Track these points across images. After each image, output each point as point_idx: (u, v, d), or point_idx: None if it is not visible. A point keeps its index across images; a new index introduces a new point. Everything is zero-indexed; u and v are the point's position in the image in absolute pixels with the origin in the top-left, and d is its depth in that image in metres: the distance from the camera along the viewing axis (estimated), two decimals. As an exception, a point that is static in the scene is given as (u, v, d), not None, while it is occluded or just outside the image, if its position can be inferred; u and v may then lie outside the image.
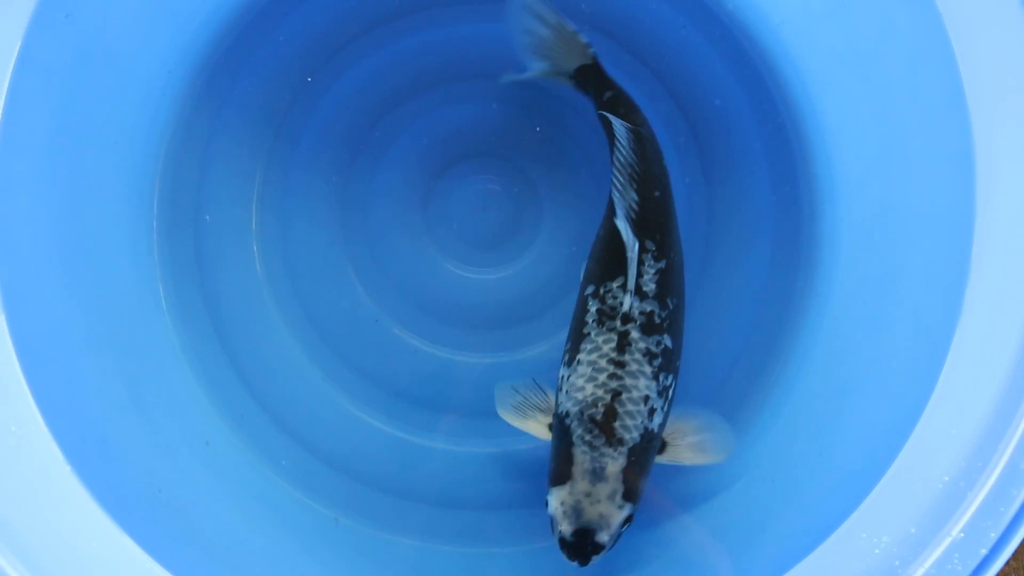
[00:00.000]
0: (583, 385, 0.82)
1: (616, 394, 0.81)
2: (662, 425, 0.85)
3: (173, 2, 0.95)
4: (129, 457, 0.83)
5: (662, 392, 0.83)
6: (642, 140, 0.89)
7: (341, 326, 1.08)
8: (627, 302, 0.82)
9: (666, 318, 0.85)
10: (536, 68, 0.99)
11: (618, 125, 0.87)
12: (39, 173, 0.85)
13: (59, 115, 0.86)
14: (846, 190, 0.96)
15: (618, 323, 0.83)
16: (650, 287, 0.85)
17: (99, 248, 0.91)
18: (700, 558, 0.89)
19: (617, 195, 0.85)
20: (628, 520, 0.80)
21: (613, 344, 0.82)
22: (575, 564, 0.78)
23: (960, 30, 0.82)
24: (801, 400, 0.96)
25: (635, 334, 0.83)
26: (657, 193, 0.89)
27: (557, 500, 0.79)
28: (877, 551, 0.73)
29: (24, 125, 0.82)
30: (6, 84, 0.79)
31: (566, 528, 0.78)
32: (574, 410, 0.82)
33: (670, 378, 0.85)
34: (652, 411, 0.82)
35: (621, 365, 0.82)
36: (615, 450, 0.79)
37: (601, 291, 0.85)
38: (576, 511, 0.78)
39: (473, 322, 1.09)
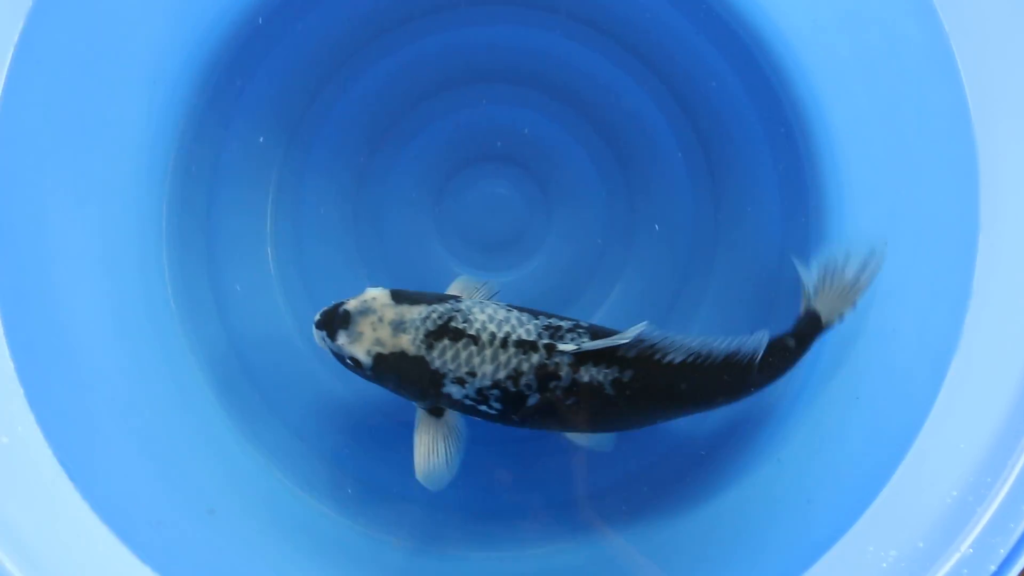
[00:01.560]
0: None
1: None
2: None
3: (183, 5, 0.95)
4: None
5: None
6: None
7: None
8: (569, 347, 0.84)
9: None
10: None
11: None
12: (45, 173, 0.84)
13: (65, 115, 0.86)
14: (853, 200, 0.97)
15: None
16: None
17: (108, 253, 0.91)
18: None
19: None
20: None
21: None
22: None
23: (964, 43, 0.83)
24: (806, 410, 0.96)
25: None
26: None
27: None
28: (884, 565, 0.73)
29: (28, 123, 0.81)
30: (3, 73, 0.77)
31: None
32: None
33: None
34: None
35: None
36: None
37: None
38: None
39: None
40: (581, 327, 0.88)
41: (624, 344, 0.83)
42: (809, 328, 0.90)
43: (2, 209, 0.80)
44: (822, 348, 0.96)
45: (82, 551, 0.73)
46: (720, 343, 0.85)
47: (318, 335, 0.86)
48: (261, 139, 1.07)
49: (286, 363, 1.05)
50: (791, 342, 0.89)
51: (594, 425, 0.90)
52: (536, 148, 1.11)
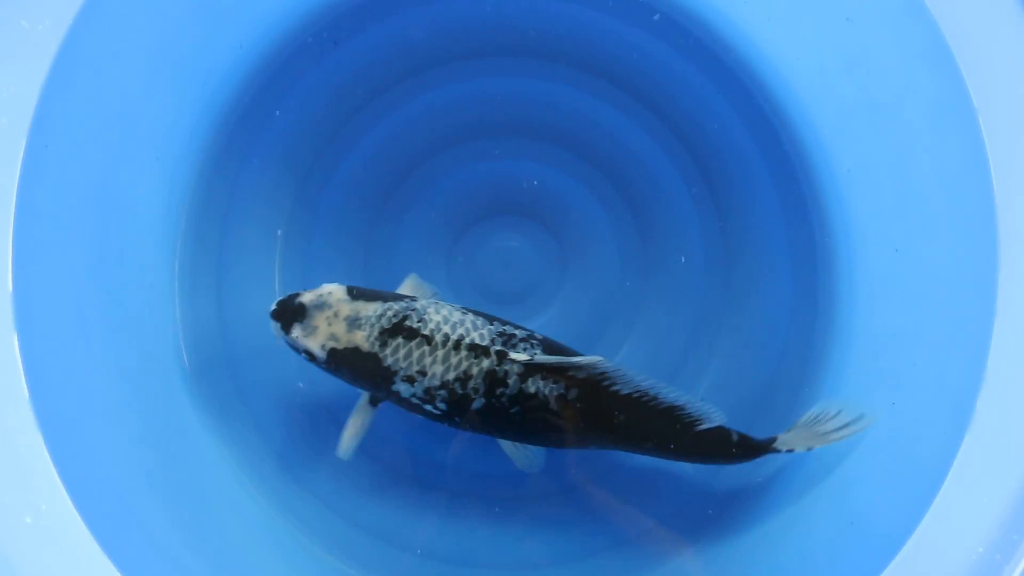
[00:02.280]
0: None
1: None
2: None
3: (193, 59, 0.96)
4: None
5: None
6: None
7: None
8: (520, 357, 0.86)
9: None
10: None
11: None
12: (62, 231, 0.85)
13: (79, 176, 0.86)
14: (863, 247, 0.96)
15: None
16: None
17: (121, 310, 0.91)
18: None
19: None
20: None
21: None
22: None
23: (981, 88, 0.82)
24: (823, 458, 0.94)
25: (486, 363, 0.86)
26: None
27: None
28: (910, 623, 0.71)
29: (46, 183, 0.81)
30: (23, 144, 0.79)
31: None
32: None
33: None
34: None
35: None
36: None
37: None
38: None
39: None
40: (535, 338, 0.90)
41: (574, 365, 0.86)
42: (759, 443, 0.90)
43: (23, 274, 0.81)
44: (837, 393, 0.96)
45: None
46: (671, 394, 0.87)
47: (274, 325, 0.88)
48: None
49: (294, 412, 1.05)
50: (734, 438, 0.90)
51: (530, 437, 0.92)
52: (548, 200, 1.11)
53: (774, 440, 0.90)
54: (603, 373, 0.86)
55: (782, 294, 1.06)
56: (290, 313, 0.88)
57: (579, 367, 0.86)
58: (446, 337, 0.86)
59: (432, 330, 0.86)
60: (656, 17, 1.05)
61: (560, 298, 1.11)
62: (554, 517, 1.03)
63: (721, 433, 0.89)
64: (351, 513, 1.02)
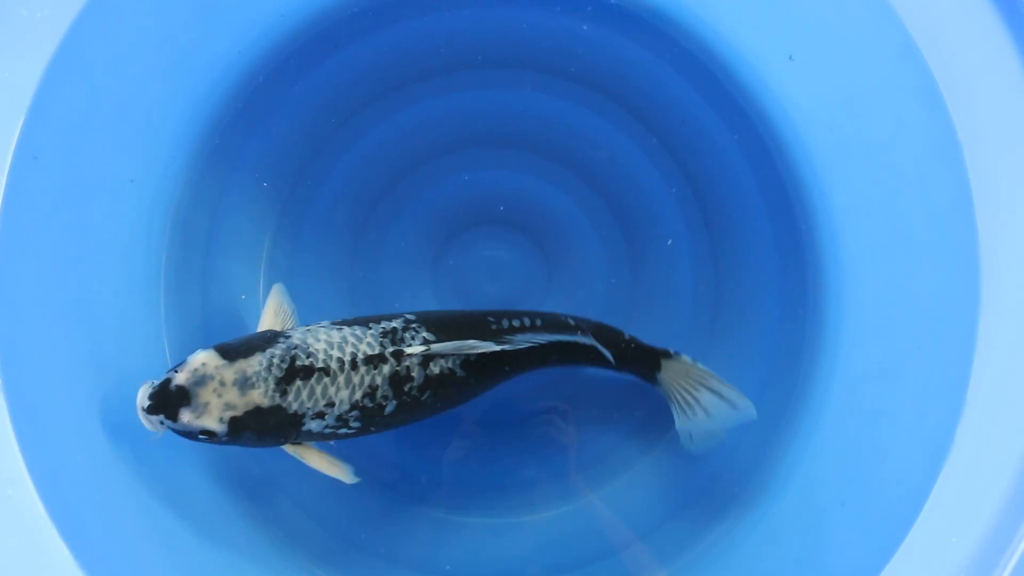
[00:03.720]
0: None
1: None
2: None
3: (185, 59, 0.96)
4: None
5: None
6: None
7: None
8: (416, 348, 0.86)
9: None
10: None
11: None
12: (45, 230, 0.85)
13: (66, 171, 0.86)
14: (851, 277, 0.97)
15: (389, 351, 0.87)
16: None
17: (104, 311, 0.91)
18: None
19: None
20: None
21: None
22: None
23: (968, 128, 0.83)
24: (798, 486, 0.95)
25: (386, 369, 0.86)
26: None
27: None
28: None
29: (31, 182, 0.81)
30: (14, 143, 0.79)
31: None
32: None
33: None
34: None
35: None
36: None
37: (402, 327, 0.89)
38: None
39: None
40: (411, 321, 0.90)
41: (470, 347, 0.87)
42: (650, 349, 1.01)
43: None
44: (817, 425, 0.96)
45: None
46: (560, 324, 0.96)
47: (152, 420, 0.79)
48: (265, 184, 1.08)
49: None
50: (626, 337, 1.00)
51: (448, 407, 0.93)
52: (535, 211, 1.11)
53: (657, 370, 1.00)
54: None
55: (770, 312, 1.07)
56: (171, 400, 0.79)
57: (475, 349, 0.87)
58: (340, 362, 0.84)
59: (325, 360, 0.83)
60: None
61: (548, 306, 1.10)
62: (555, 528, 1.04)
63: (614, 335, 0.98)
64: (333, 524, 1.03)
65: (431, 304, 1.10)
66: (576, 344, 0.96)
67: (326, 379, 0.83)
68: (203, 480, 0.97)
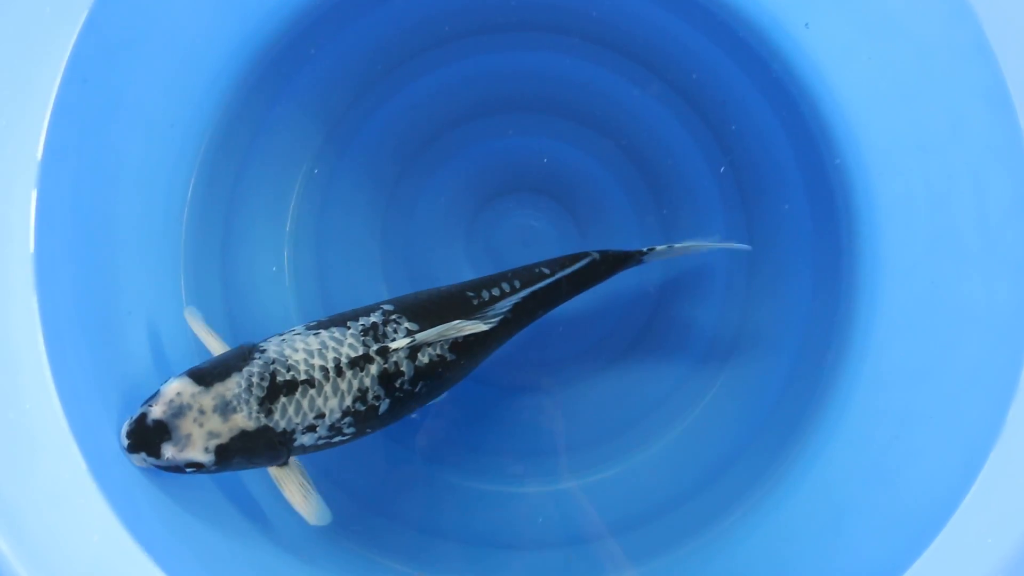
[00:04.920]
0: None
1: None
2: None
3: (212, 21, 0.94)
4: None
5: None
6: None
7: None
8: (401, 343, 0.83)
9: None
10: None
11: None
12: (85, 154, 0.82)
13: (110, 97, 0.84)
14: (889, 274, 0.96)
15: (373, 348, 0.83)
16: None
17: (125, 245, 0.89)
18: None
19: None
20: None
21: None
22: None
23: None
24: (817, 484, 0.93)
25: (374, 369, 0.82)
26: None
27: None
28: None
29: (75, 105, 0.79)
30: (66, 59, 0.77)
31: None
32: None
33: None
34: None
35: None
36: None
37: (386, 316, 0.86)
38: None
39: (504, 356, 1.06)
40: (389, 312, 0.85)
41: (455, 329, 0.84)
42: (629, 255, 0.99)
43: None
44: (842, 421, 0.95)
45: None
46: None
47: (136, 458, 0.75)
48: (316, 171, 1.06)
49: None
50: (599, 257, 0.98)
51: (443, 391, 0.90)
52: (569, 178, 1.10)
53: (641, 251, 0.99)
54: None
55: (803, 302, 1.06)
56: (151, 436, 0.75)
57: (460, 329, 0.84)
58: (324, 370, 0.79)
59: (307, 371, 0.79)
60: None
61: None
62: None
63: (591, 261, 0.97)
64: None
65: (464, 267, 1.09)
66: (557, 284, 0.95)
67: (311, 391, 0.79)
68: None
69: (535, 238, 1.10)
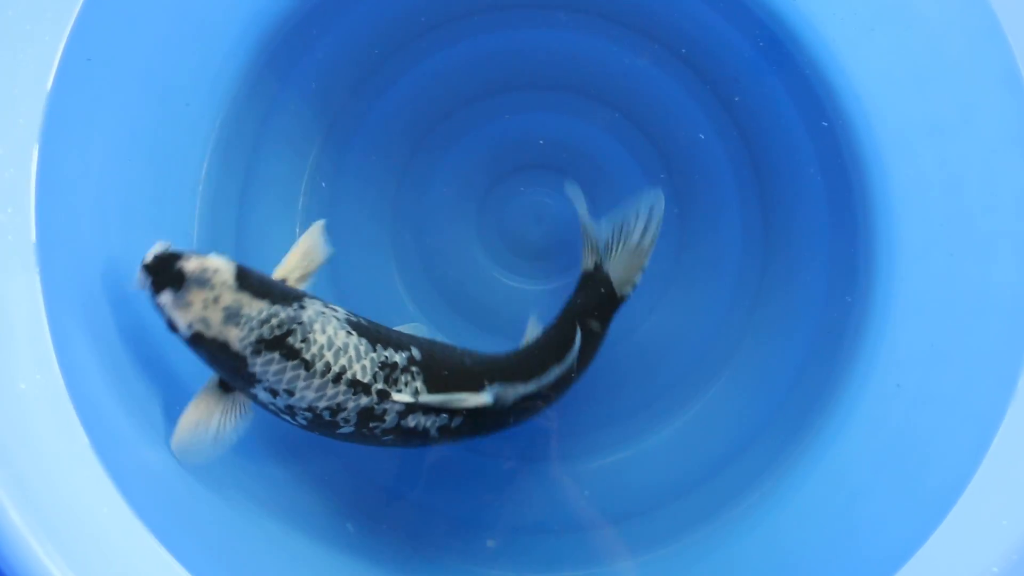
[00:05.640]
0: None
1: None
2: None
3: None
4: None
5: None
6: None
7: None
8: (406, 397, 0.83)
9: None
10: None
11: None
12: (91, 131, 0.82)
13: (116, 74, 0.84)
14: (905, 256, 0.95)
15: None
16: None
17: (137, 223, 0.89)
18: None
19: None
20: None
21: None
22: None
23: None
24: (830, 467, 0.94)
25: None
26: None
27: None
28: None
29: (79, 83, 0.78)
30: (68, 30, 0.76)
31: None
32: None
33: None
34: None
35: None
36: None
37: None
38: None
39: (517, 333, 1.07)
40: (413, 362, 0.84)
41: (461, 402, 0.84)
42: (610, 305, 0.95)
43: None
44: (857, 401, 0.95)
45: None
46: (550, 372, 0.90)
47: (141, 276, 0.77)
48: (328, 148, 1.05)
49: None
50: (596, 327, 0.94)
51: (407, 448, 0.91)
52: (582, 155, 1.09)
53: (612, 290, 0.95)
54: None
55: (818, 284, 1.05)
56: (165, 276, 0.77)
57: (463, 402, 0.84)
58: (327, 366, 0.79)
59: (314, 355, 0.79)
60: None
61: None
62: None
63: (588, 334, 0.93)
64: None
65: (476, 246, 1.09)
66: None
67: (302, 370, 0.79)
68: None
69: (548, 214, 1.09)
